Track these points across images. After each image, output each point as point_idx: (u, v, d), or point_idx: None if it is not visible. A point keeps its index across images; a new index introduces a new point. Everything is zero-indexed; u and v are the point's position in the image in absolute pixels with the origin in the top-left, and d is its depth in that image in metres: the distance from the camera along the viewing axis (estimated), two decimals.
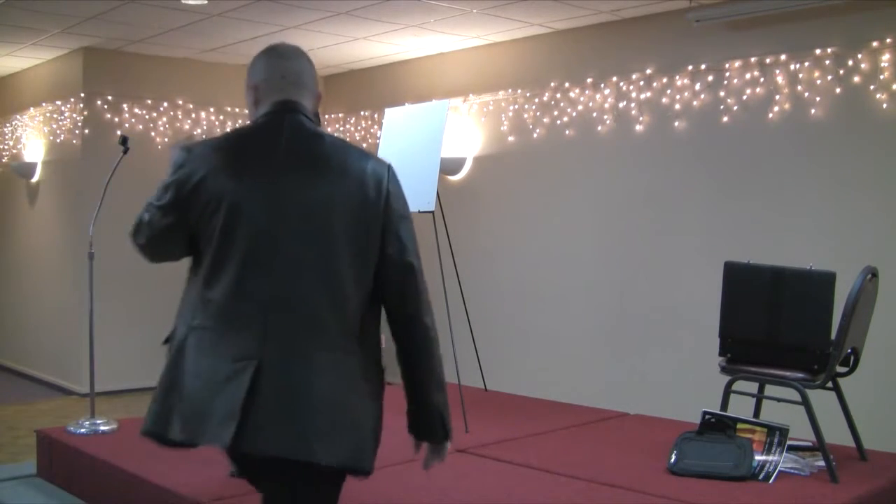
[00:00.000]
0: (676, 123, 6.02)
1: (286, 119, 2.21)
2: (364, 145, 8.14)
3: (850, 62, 5.22)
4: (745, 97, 5.68)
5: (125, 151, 4.87)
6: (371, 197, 2.16)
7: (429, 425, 2.25)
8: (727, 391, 3.95)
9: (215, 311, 2.09)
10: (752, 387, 4.09)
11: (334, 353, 2.09)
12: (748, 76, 5.66)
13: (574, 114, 6.59)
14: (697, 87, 5.92)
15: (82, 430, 4.49)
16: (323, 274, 2.10)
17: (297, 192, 2.12)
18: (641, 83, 6.20)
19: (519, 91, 6.94)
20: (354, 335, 2.13)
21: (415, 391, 2.23)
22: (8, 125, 8.70)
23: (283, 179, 2.12)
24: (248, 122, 2.34)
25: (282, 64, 2.30)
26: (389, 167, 2.23)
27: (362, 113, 8.17)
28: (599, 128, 6.44)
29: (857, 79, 5.21)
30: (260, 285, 2.07)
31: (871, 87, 5.15)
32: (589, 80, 6.49)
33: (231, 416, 2.00)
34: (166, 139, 7.75)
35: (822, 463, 3.74)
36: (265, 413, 2.01)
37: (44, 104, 7.99)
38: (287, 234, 2.09)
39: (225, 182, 2.11)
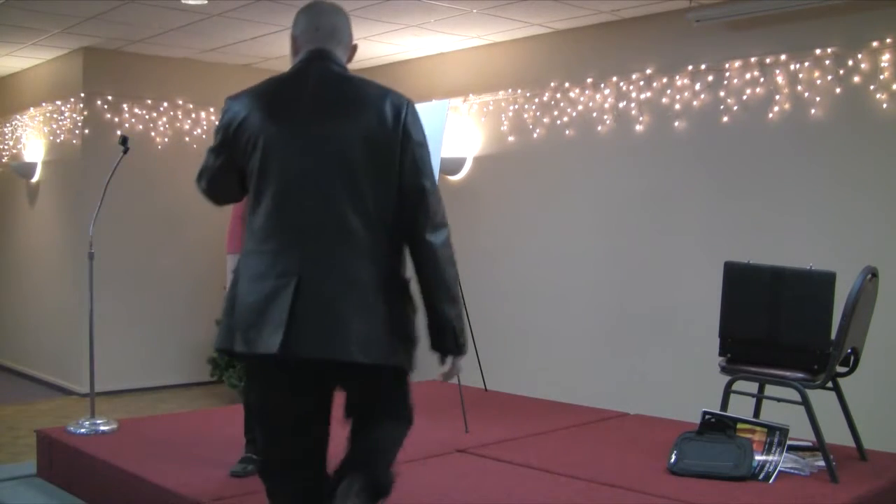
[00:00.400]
0: (676, 123, 6.02)
1: (315, 65, 2.49)
2: None
3: (850, 62, 5.22)
4: (745, 97, 5.68)
5: (125, 151, 4.87)
6: (390, 125, 2.41)
7: (441, 338, 2.48)
8: (727, 391, 3.95)
9: (259, 237, 2.39)
10: (752, 387, 4.10)
11: (365, 267, 2.36)
12: (748, 76, 5.66)
13: (574, 114, 6.59)
14: (697, 87, 5.92)
15: (82, 430, 4.49)
16: (350, 198, 2.36)
17: (322, 128, 2.40)
18: (641, 83, 6.20)
19: (519, 91, 6.94)
20: (381, 251, 2.40)
21: (430, 307, 2.47)
22: (8, 125, 8.70)
23: (309, 118, 2.40)
24: None
25: (317, 18, 2.58)
26: (409, 101, 2.49)
27: None
28: (599, 128, 6.44)
29: (857, 79, 5.21)
30: (294, 212, 2.36)
31: (871, 87, 5.15)
32: (589, 80, 6.49)
33: (279, 325, 2.28)
34: (166, 139, 7.76)
35: (822, 463, 3.74)
36: (308, 321, 2.29)
37: (44, 104, 7.99)
38: (315, 166, 2.37)
39: (260, 122, 2.40)
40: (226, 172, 2.53)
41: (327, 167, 2.38)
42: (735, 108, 5.73)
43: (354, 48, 2.64)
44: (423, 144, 2.47)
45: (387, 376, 2.47)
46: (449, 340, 2.48)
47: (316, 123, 2.40)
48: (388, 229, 2.42)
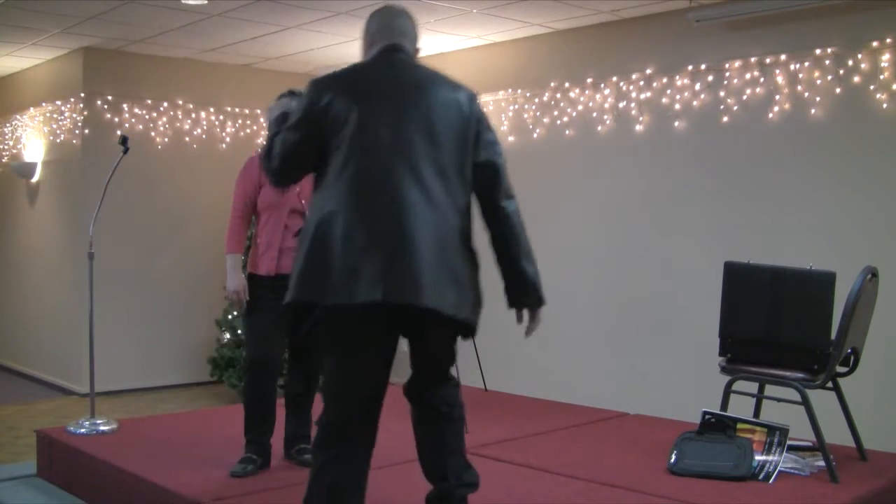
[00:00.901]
0: (676, 123, 6.02)
1: (392, 55, 2.83)
2: None
3: (850, 62, 5.22)
4: (745, 97, 5.68)
5: (125, 151, 4.87)
6: (466, 108, 2.78)
7: (524, 292, 2.85)
8: (727, 391, 3.95)
9: (348, 200, 2.60)
10: (752, 387, 4.09)
11: (449, 230, 2.65)
12: (748, 76, 5.66)
13: (574, 114, 6.59)
14: (697, 87, 5.92)
15: (82, 430, 4.48)
16: (432, 166, 2.67)
17: (408, 104, 2.71)
18: (641, 83, 6.20)
19: (519, 91, 6.94)
20: (459, 218, 2.69)
21: (509, 265, 2.84)
22: (8, 125, 8.70)
23: (396, 95, 2.72)
24: None
25: (391, 19, 2.94)
26: (476, 93, 2.86)
27: None
28: (599, 128, 6.44)
29: (857, 79, 5.21)
30: (385, 178, 2.62)
31: (871, 87, 5.15)
32: (589, 80, 6.49)
33: (377, 276, 2.52)
34: (166, 139, 7.75)
35: (822, 463, 3.74)
36: (400, 273, 2.53)
37: (44, 104, 7.99)
38: (403, 136, 2.66)
39: (350, 99, 2.68)
40: (303, 146, 2.74)
41: (414, 138, 2.66)
42: (735, 108, 5.73)
43: (418, 51, 2.96)
44: (491, 129, 2.85)
45: (454, 335, 2.82)
46: (532, 294, 2.85)
47: (402, 100, 2.71)
48: (462, 199, 2.73)
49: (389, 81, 2.76)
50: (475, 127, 2.78)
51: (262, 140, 8.01)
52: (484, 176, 2.80)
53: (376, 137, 2.65)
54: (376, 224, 2.57)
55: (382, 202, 2.59)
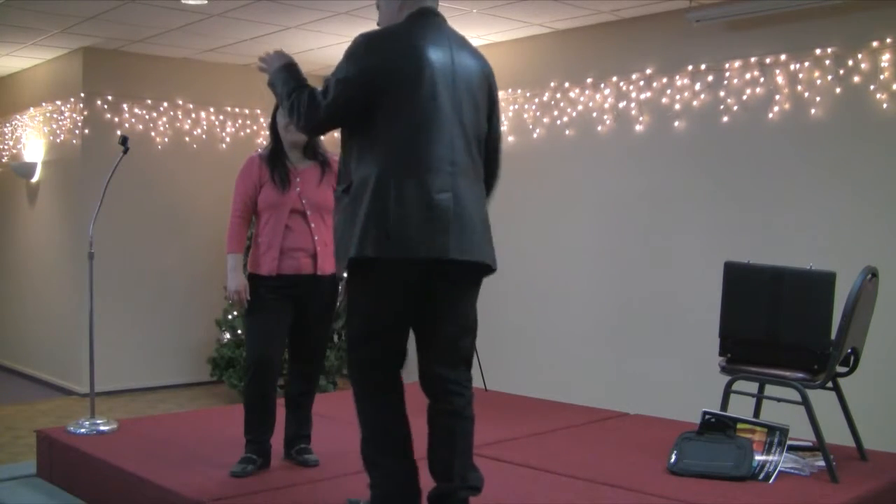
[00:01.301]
0: (676, 123, 6.02)
1: (435, 17, 2.94)
2: None
3: (850, 62, 5.22)
4: (745, 97, 5.68)
5: (125, 151, 4.87)
6: (492, 84, 3.03)
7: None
8: (727, 391, 3.95)
9: (411, 160, 2.77)
10: (752, 387, 4.09)
11: (480, 190, 2.94)
12: (748, 76, 5.66)
13: (574, 114, 6.59)
14: (697, 87, 5.92)
15: (82, 430, 4.48)
16: (474, 132, 2.91)
17: (458, 67, 2.87)
18: (641, 83, 6.20)
19: (519, 91, 6.94)
20: (482, 182, 2.98)
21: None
22: (8, 125, 8.70)
23: (449, 63, 2.85)
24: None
25: None
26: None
27: None
28: (599, 128, 6.44)
29: (857, 79, 5.21)
30: (443, 139, 2.80)
31: (871, 87, 5.15)
32: (589, 80, 6.49)
33: (443, 232, 2.76)
34: (166, 139, 7.76)
35: (822, 463, 3.74)
36: (459, 229, 2.78)
37: (44, 104, 7.99)
38: (457, 99, 2.84)
39: (409, 62, 2.78)
40: (352, 103, 2.80)
41: (462, 104, 2.87)
42: (735, 108, 5.73)
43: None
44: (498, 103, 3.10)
45: (475, 300, 3.03)
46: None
47: (454, 64, 2.86)
48: (481, 167, 2.98)
49: (443, 45, 2.86)
50: (494, 100, 3.02)
51: (262, 140, 8.01)
52: (490, 149, 3.04)
53: (437, 100, 2.79)
54: (440, 186, 2.77)
55: (444, 164, 2.79)
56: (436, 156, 2.78)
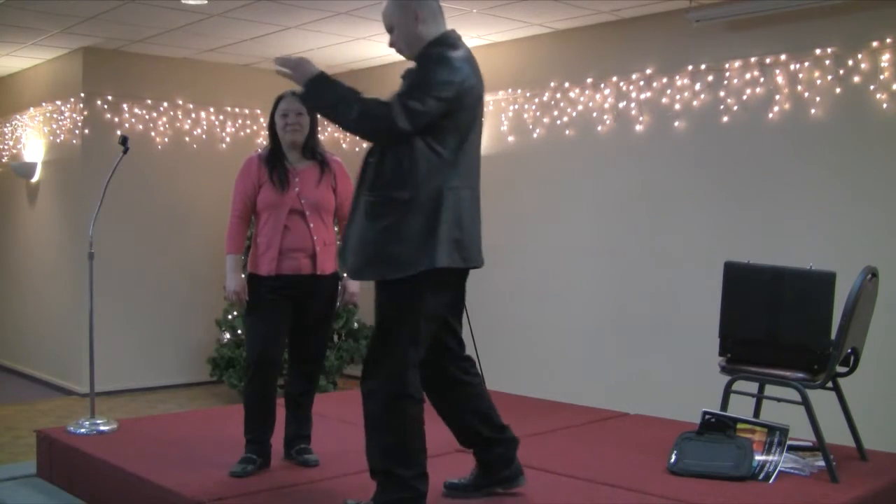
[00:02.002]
0: (676, 123, 6.02)
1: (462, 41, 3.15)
2: (364, 145, 8.12)
3: (850, 62, 5.22)
4: (745, 97, 5.68)
5: (125, 151, 4.87)
6: None
7: None
8: (727, 391, 3.95)
9: (463, 175, 3.05)
10: (752, 387, 4.09)
11: None
12: (748, 76, 5.66)
13: (574, 114, 6.59)
14: (697, 87, 5.92)
15: (82, 430, 4.48)
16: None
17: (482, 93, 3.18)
18: (641, 83, 6.20)
19: (519, 91, 6.94)
20: None
21: None
22: (8, 125, 8.70)
23: (481, 86, 3.15)
24: (417, 39, 3.15)
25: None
26: None
27: None
28: (599, 128, 6.44)
29: (857, 79, 5.21)
30: (477, 157, 3.15)
31: (871, 87, 5.15)
32: (589, 80, 6.49)
33: (479, 243, 3.15)
34: (166, 139, 7.76)
35: (822, 463, 3.74)
36: (480, 243, 3.19)
37: (44, 104, 7.99)
38: (481, 123, 3.16)
39: (475, 85, 3.07)
40: (437, 119, 2.96)
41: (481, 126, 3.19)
42: (735, 108, 5.73)
43: None
44: None
45: None
46: None
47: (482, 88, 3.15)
48: None
49: (478, 71, 3.14)
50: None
51: (262, 140, 8.01)
52: None
53: (477, 121, 3.11)
54: (476, 199, 3.11)
55: (476, 181, 3.13)
56: (478, 171, 3.14)
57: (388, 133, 2.95)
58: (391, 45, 3.25)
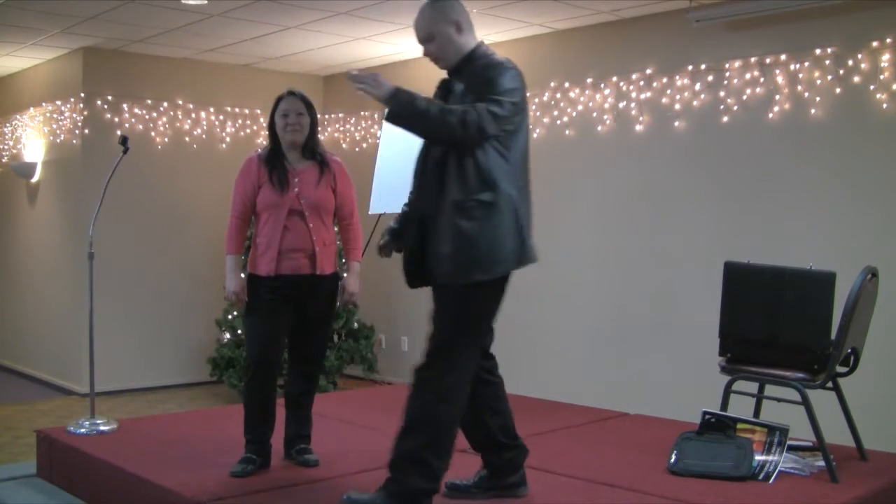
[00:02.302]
0: (676, 123, 6.02)
1: None
2: (364, 145, 8.14)
3: (850, 62, 5.22)
4: (745, 97, 5.68)
5: (125, 151, 4.87)
6: None
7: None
8: (727, 391, 3.95)
9: (525, 177, 3.35)
10: (752, 387, 4.09)
11: None
12: (748, 76, 5.66)
13: (574, 114, 6.59)
14: (697, 87, 5.92)
15: (82, 430, 4.48)
16: None
17: None
18: (641, 83, 6.20)
19: None
20: None
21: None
22: (8, 125, 8.70)
23: None
24: (457, 48, 3.27)
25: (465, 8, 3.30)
26: None
27: (362, 113, 8.17)
28: (599, 128, 6.44)
29: (857, 79, 5.21)
30: None
31: (871, 87, 5.15)
32: (589, 80, 6.49)
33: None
34: (166, 139, 7.76)
35: (822, 463, 3.74)
36: None
37: (44, 104, 7.99)
38: None
39: (526, 88, 3.26)
40: (511, 124, 3.15)
41: None
42: (735, 108, 5.73)
43: None
44: None
45: None
46: None
47: None
48: None
49: None
50: None
51: (262, 140, 8.01)
52: None
53: (527, 128, 3.32)
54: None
55: (529, 182, 3.36)
56: (528, 181, 3.36)
57: (479, 139, 3.07)
58: (427, 54, 3.32)
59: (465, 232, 3.09)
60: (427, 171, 3.20)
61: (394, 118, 3.06)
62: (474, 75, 3.18)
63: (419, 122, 3.06)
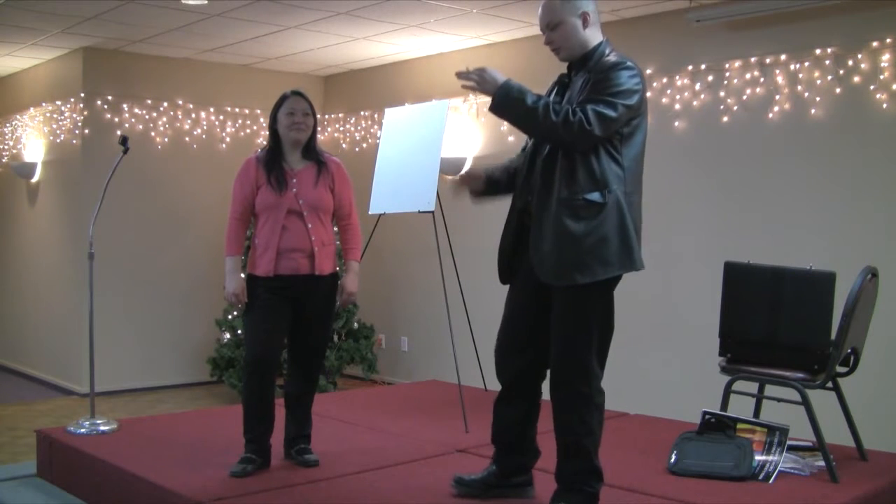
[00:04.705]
0: (676, 123, 6.02)
1: None
2: (364, 145, 8.14)
3: (850, 62, 5.22)
4: (745, 97, 5.68)
5: (125, 151, 4.87)
6: None
7: None
8: (727, 391, 3.95)
9: (638, 183, 3.23)
10: (752, 387, 4.10)
11: None
12: (748, 76, 5.66)
13: None
14: (697, 87, 5.92)
15: (82, 430, 4.48)
16: None
17: None
18: None
19: None
20: None
21: None
22: (8, 125, 8.70)
23: None
24: (582, 41, 3.25)
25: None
26: None
27: (362, 113, 8.16)
28: None
29: (857, 79, 5.21)
30: None
31: (871, 87, 5.15)
32: None
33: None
34: (166, 139, 7.76)
35: (822, 463, 3.74)
36: None
37: (44, 104, 7.99)
38: None
39: (645, 93, 3.15)
40: (622, 127, 3.05)
41: None
42: (735, 108, 5.73)
43: None
44: None
45: None
46: None
47: None
48: None
49: None
50: None
51: (262, 140, 8.01)
52: None
53: (646, 132, 3.20)
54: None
55: (641, 189, 3.22)
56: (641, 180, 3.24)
57: (584, 140, 2.97)
58: (548, 42, 3.26)
59: (569, 230, 3.03)
60: (535, 168, 3.15)
61: (497, 110, 3.02)
62: (593, 72, 3.10)
63: (522, 116, 3.01)
